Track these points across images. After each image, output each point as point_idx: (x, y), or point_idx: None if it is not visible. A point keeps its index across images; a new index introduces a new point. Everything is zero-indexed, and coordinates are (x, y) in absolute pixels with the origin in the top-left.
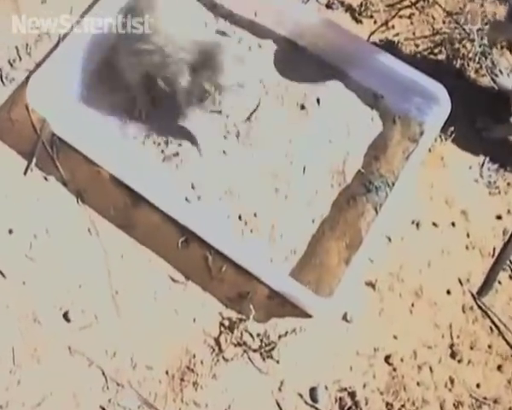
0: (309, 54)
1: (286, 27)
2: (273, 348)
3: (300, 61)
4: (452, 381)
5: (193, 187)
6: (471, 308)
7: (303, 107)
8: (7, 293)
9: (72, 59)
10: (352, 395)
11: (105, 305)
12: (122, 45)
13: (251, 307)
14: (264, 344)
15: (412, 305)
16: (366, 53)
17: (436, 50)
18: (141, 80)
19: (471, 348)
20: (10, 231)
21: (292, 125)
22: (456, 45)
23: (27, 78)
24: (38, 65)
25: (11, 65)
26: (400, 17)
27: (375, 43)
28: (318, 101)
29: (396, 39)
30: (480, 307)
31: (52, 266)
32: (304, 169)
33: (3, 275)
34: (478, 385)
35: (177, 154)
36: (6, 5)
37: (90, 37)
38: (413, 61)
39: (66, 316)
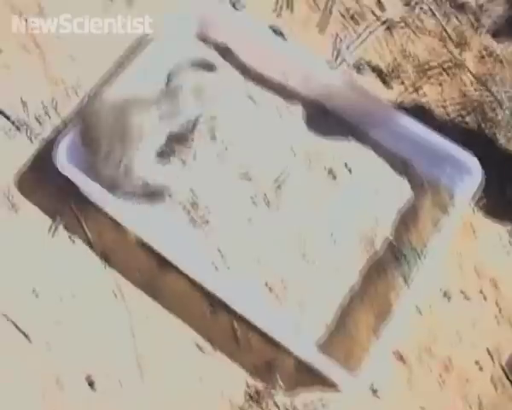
0: (338, 117)
1: (315, 90)
2: None
3: (330, 124)
4: None
5: (221, 253)
6: (501, 382)
7: (331, 172)
8: (31, 357)
9: None
10: None
11: (129, 370)
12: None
13: (278, 377)
14: None
15: (441, 377)
16: (395, 118)
17: (466, 116)
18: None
19: None
20: (36, 293)
21: (320, 190)
22: (487, 111)
23: (55, 135)
24: (65, 122)
25: (38, 122)
26: (430, 81)
27: (404, 108)
28: (347, 166)
29: (426, 104)
30: (510, 381)
31: (77, 329)
32: (332, 236)
33: (28, 338)
34: None
35: (204, 218)
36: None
37: None
38: (443, 126)
39: (90, 381)
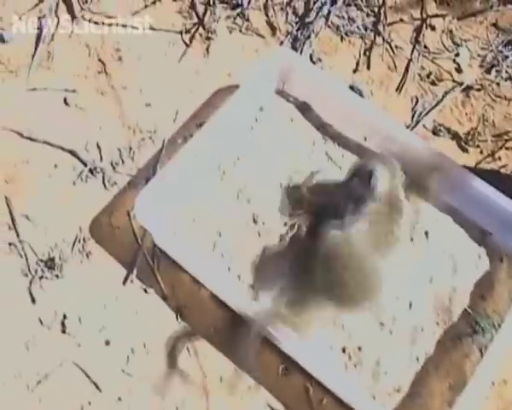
0: None
1: (392, 151)
2: None
3: None
4: None
5: None
6: None
7: (411, 239)
8: (101, 408)
9: (182, 175)
10: None
11: None
12: None
13: None
14: None
15: None
16: (474, 186)
17: None
18: None
19: None
20: (107, 343)
21: (399, 257)
22: None
23: (130, 183)
24: (141, 170)
25: (114, 168)
26: (507, 148)
27: (481, 174)
28: (426, 234)
29: (502, 171)
30: None
31: (148, 382)
32: (409, 304)
33: (99, 388)
34: None
35: None
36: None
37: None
38: None
39: None
